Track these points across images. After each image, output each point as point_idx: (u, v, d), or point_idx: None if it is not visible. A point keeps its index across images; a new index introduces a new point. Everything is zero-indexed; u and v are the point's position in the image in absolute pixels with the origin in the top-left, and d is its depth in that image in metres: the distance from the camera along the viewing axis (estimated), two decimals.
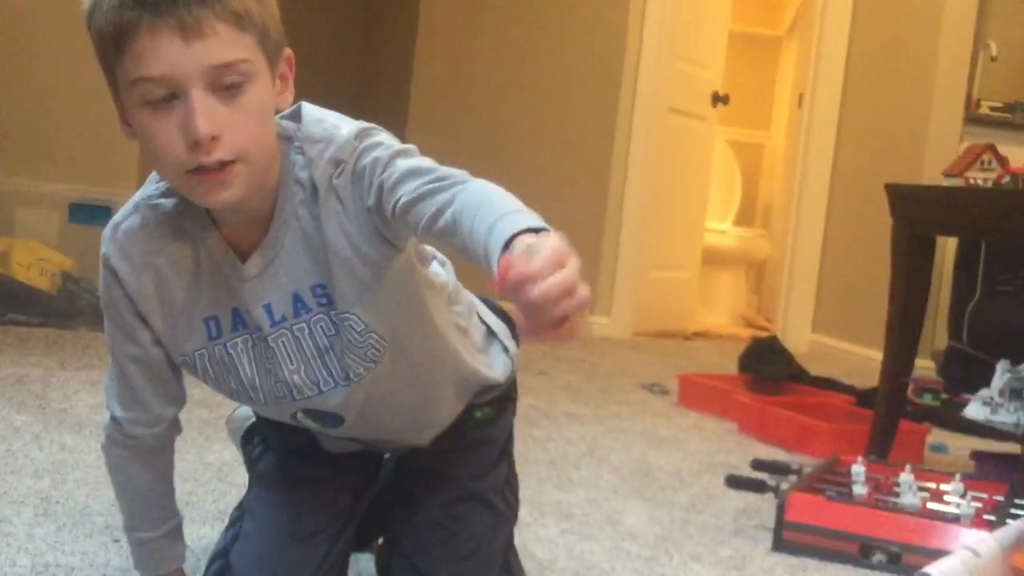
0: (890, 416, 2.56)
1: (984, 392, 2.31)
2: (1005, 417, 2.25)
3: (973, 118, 4.23)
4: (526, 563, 1.52)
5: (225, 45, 1.03)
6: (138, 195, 1.20)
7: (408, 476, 1.43)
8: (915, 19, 4.40)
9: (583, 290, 0.81)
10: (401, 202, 1.06)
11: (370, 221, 1.12)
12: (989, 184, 2.43)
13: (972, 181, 2.46)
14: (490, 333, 1.41)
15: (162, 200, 1.18)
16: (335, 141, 1.14)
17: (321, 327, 1.19)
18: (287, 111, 1.17)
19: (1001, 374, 2.29)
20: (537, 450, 2.45)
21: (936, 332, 3.84)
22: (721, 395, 3.13)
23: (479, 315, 1.39)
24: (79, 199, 3.63)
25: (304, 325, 1.19)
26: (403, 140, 1.14)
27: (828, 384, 3.37)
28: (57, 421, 2.22)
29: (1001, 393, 2.27)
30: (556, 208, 4.90)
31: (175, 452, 1.34)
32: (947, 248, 3.65)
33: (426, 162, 1.09)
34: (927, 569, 1.34)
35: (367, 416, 1.27)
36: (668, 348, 4.60)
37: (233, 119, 1.05)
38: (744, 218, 6.38)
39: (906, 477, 2.05)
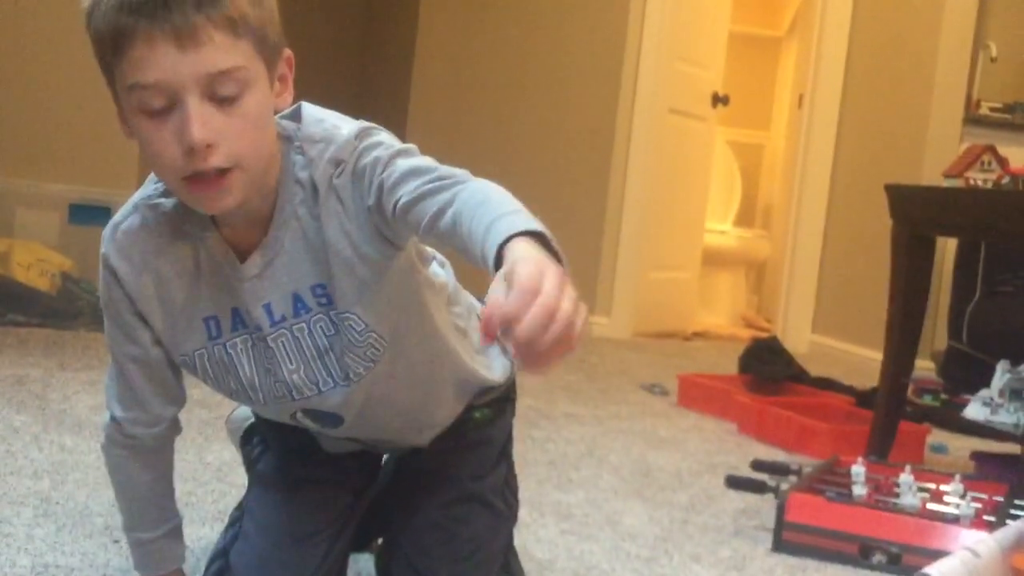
0: (890, 417, 2.56)
1: (984, 392, 2.31)
2: (1005, 418, 2.25)
3: (973, 119, 4.24)
4: (526, 564, 1.52)
5: (221, 53, 1.03)
6: (138, 195, 1.20)
7: (407, 477, 1.43)
8: (915, 19, 4.40)
9: (565, 308, 0.80)
10: (401, 202, 1.06)
11: (370, 221, 1.12)
12: (989, 185, 2.43)
13: (972, 182, 2.46)
14: None
15: (162, 200, 1.18)
16: (335, 141, 1.14)
17: (321, 327, 1.19)
18: (287, 111, 1.17)
19: (1001, 374, 2.29)
20: (537, 451, 2.45)
21: (936, 332, 3.84)
22: (721, 396, 3.13)
23: (478, 316, 1.39)
24: (79, 200, 3.63)
25: (304, 325, 1.19)
26: (403, 140, 1.14)
27: (828, 385, 3.37)
28: (57, 422, 2.22)
29: (1001, 393, 2.27)
30: (556, 208, 4.92)
31: (175, 452, 1.34)
32: (947, 248, 3.66)
33: (426, 161, 1.09)
34: (927, 570, 1.34)
35: (366, 416, 1.27)
36: (668, 348, 4.60)
37: (229, 126, 1.05)
38: (744, 218, 6.38)
39: (906, 478, 2.05)
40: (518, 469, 1.49)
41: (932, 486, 2.07)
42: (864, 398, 3.07)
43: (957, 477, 2.07)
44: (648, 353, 4.36)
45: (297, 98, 1.17)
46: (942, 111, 4.21)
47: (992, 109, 4.26)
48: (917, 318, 2.58)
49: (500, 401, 1.42)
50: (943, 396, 2.57)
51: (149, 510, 1.32)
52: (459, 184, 1.02)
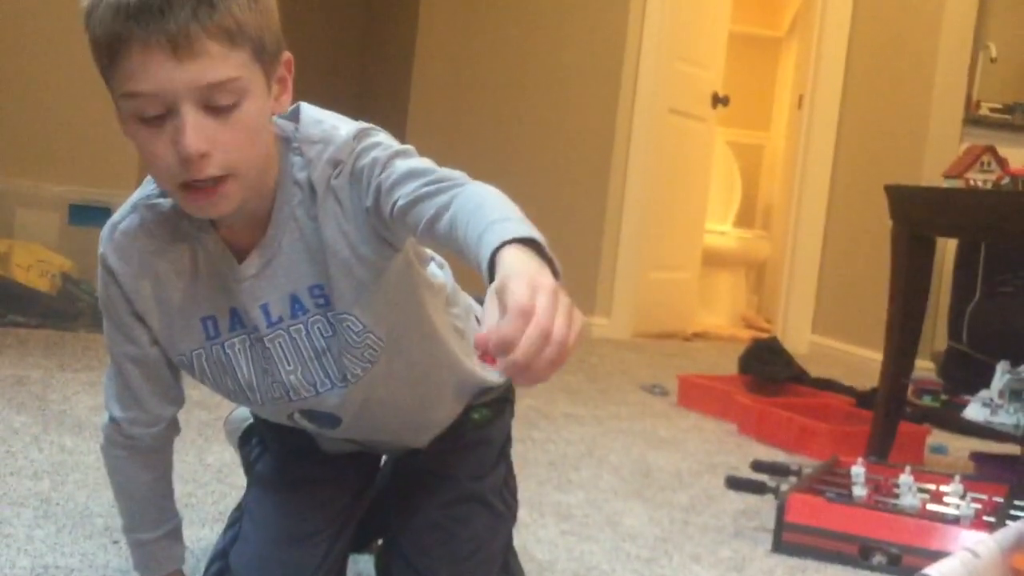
0: (890, 417, 2.56)
1: (984, 393, 2.31)
2: (1005, 418, 2.25)
3: (973, 119, 4.24)
4: (526, 564, 1.52)
5: (217, 64, 1.02)
6: (136, 195, 1.20)
7: (406, 477, 1.43)
8: (915, 20, 4.40)
9: (559, 328, 0.80)
10: (399, 204, 1.06)
11: (368, 222, 1.12)
12: (989, 185, 2.43)
13: (972, 182, 2.46)
14: None
15: (160, 200, 1.18)
16: (333, 142, 1.14)
17: (318, 328, 1.19)
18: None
19: (1001, 375, 2.29)
20: (537, 451, 2.45)
21: (936, 333, 3.84)
22: (721, 396, 3.13)
23: (477, 318, 1.39)
24: (79, 200, 3.63)
25: (301, 326, 1.19)
26: (403, 140, 1.14)
27: (828, 385, 3.37)
28: (57, 422, 2.22)
29: (1001, 394, 2.27)
30: (556, 208, 4.91)
31: (174, 453, 1.34)
32: (947, 249, 3.66)
33: (424, 163, 1.08)
34: (927, 571, 1.34)
35: (364, 417, 1.27)
36: (668, 349, 4.60)
37: (224, 135, 1.04)
38: (744, 219, 6.38)
39: (906, 478, 2.05)
40: (518, 470, 1.49)
41: (932, 487, 2.07)
42: (864, 399, 3.07)
43: (957, 478, 2.07)
44: (648, 353, 4.36)
45: (297, 98, 1.17)
46: (942, 111, 4.21)
47: (992, 110, 4.26)
48: (917, 318, 2.58)
49: (499, 401, 1.42)
50: (943, 397, 2.57)
51: (148, 511, 1.32)
52: (457, 187, 1.02)
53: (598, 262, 4.65)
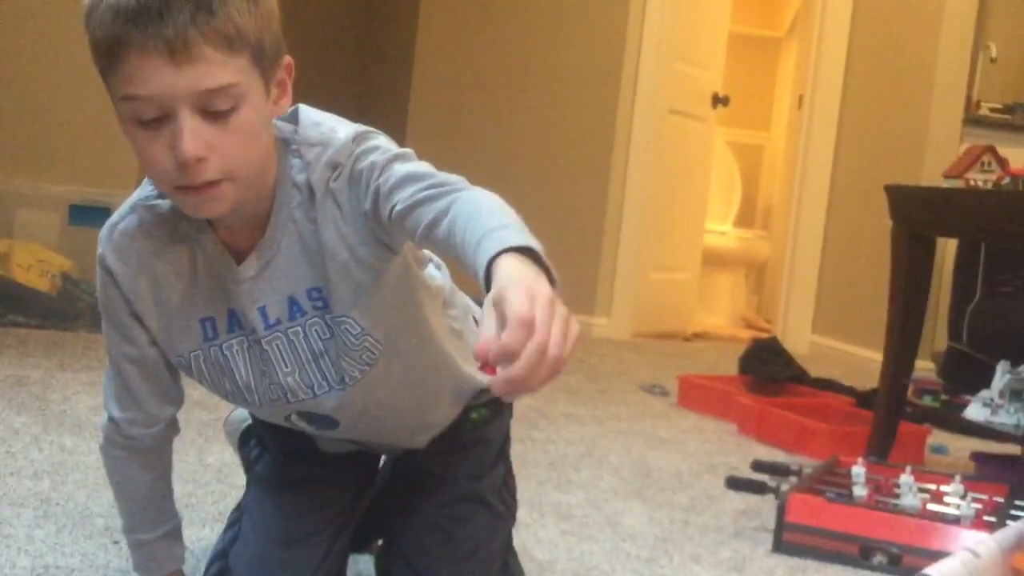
0: (890, 417, 2.56)
1: (984, 393, 2.31)
2: (1005, 418, 2.25)
3: (973, 119, 4.23)
4: (526, 564, 1.52)
5: (215, 70, 1.02)
6: (135, 196, 1.20)
7: (405, 478, 1.43)
8: (915, 20, 4.40)
9: (556, 341, 0.81)
10: (397, 208, 1.05)
11: (367, 225, 1.12)
12: (989, 186, 2.43)
13: (972, 182, 2.46)
14: None
15: (159, 201, 1.18)
16: (332, 144, 1.13)
17: (316, 330, 1.19)
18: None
19: (1001, 375, 2.29)
20: (537, 451, 2.45)
21: (936, 333, 3.84)
22: (721, 396, 3.13)
23: (475, 318, 1.39)
24: (79, 200, 3.63)
25: (299, 328, 1.19)
26: (403, 141, 1.14)
27: (828, 385, 3.37)
28: (57, 423, 2.22)
29: (1001, 394, 2.27)
30: (556, 208, 4.91)
31: (174, 453, 1.34)
32: (947, 249, 3.65)
33: (423, 167, 1.08)
34: (927, 571, 1.34)
35: (362, 419, 1.27)
36: (668, 349, 4.60)
37: (222, 140, 1.04)
38: (744, 219, 6.38)
39: (906, 478, 2.05)
40: (518, 470, 1.49)
41: (932, 487, 2.07)
42: (864, 399, 3.07)
43: (957, 478, 2.07)
44: (648, 354, 4.36)
45: (297, 99, 1.17)
46: (942, 111, 4.21)
47: (992, 110, 4.26)
48: (917, 318, 2.58)
49: (497, 401, 1.42)
50: (943, 397, 2.57)
51: (148, 511, 1.32)
52: (455, 192, 1.02)
53: (598, 262, 4.64)
